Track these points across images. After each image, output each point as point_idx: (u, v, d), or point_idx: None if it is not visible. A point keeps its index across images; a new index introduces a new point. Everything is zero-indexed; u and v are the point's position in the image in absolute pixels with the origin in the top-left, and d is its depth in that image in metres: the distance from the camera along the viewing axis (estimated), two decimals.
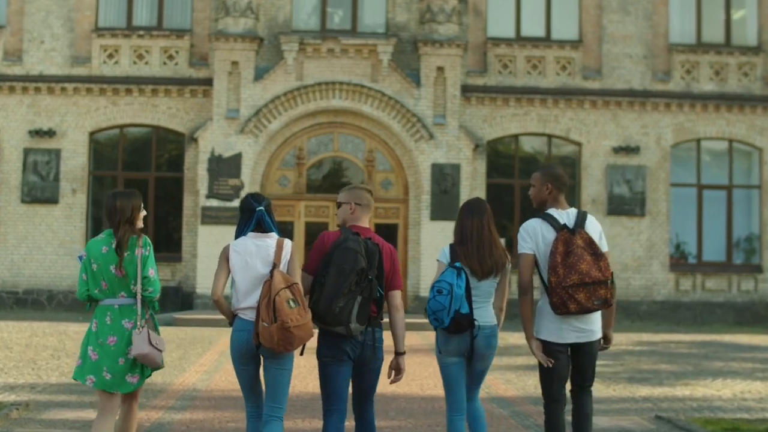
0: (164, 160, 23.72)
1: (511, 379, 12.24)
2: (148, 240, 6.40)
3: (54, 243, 22.83)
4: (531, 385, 11.47)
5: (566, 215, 6.32)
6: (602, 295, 6.07)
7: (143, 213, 6.44)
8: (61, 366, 12.46)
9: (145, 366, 6.30)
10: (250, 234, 6.23)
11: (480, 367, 6.47)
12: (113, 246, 6.23)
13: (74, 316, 20.91)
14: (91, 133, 23.22)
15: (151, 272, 6.26)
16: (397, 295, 6.32)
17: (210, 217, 22.21)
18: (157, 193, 23.24)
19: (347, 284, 5.91)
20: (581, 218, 6.30)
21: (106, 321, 6.23)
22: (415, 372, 12.50)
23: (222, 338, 16.54)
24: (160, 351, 6.24)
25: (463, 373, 6.40)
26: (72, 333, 17.00)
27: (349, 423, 6.47)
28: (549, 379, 6.28)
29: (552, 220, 6.29)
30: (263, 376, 6.20)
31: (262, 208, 6.22)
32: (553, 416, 6.29)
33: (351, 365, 6.16)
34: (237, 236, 6.31)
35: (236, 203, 21.93)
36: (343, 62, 22.62)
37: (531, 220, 6.43)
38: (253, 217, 6.22)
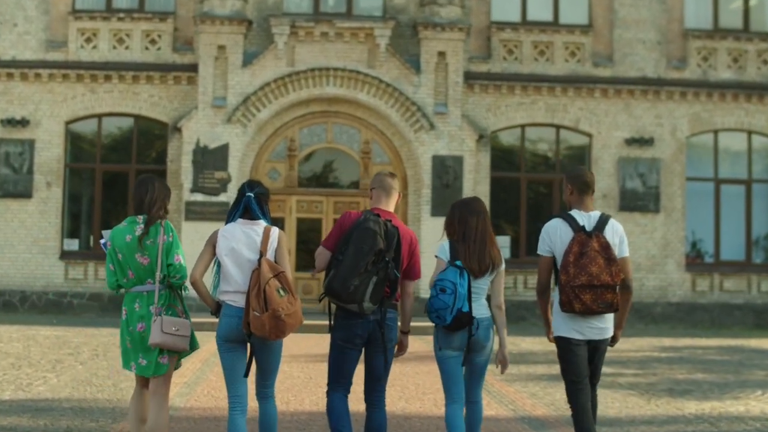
0: (146, 151, 22.14)
1: (536, 392, 10.72)
2: (171, 226, 6.44)
3: (27, 240, 21.26)
4: (561, 399, 9.89)
5: (588, 217, 6.40)
6: (608, 300, 6.18)
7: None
8: (20, 378, 10.89)
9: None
10: (239, 220, 6.25)
11: (480, 360, 6.53)
12: (136, 233, 6.28)
13: (48, 319, 19.40)
14: (68, 123, 21.64)
15: (178, 258, 6.30)
16: (411, 284, 6.55)
17: (194, 212, 20.68)
18: None
19: (364, 264, 6.00)
20: (602, 222, 6.38)
21: (134, 308, 6.30)
22: (426, 384, 10.99)
23: (207, 344, 14.97)
24: (183, 336, 6.24)
25: (461, 366, 6.49)
26: (41, 338, 15.44)
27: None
28: (572, 371, 6.43)
29: (571, 221, 6.39)
30: (252, 357, 6.18)
31: (251, 194, 6.24)
32: (574, 393, 6.44)
33: (362, 348, 6.30)
34: (227, 222, 6.34)
35: (223, 197, 20.57)
36: (337, 47, 21.12)
37: (553, 219, 6.54)
38: (241, 202, 6.26)
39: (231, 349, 6.17)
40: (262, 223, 6.25)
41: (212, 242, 6.27)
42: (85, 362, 12.51)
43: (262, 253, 6.08)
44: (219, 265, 6.28)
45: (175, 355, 6.41)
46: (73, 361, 12.56)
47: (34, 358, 12.71)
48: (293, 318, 5.93)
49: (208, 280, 6.32)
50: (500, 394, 10.49)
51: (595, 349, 6.42)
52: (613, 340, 6.55)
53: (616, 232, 6.38)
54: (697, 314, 21.79)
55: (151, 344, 6.17)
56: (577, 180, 6.50)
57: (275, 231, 6.24)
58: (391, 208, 6.55)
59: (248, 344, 6.16)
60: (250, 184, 6.35)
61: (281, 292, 5.93)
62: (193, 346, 6.51)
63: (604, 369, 12.67)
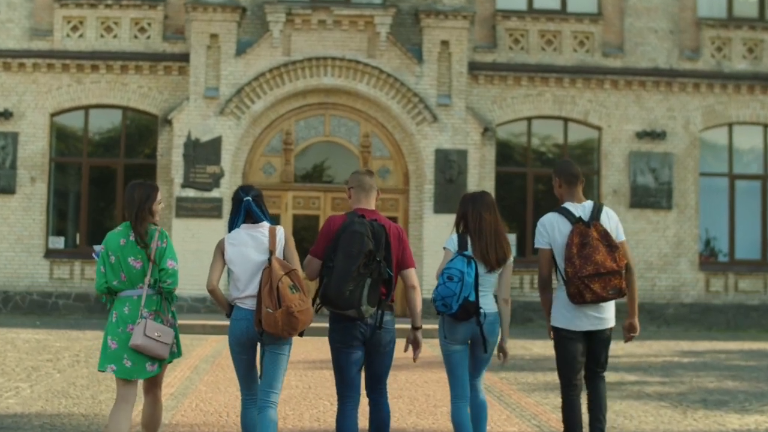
0: (135, 145, 21.13)
1: (559, 404, 9.72)
2: (166, 233, 6.50)
3: (10, 238, 20.26)
4: (585, 412, 8.94)
5: (582, 208, 6.52)
6: (616, 285, 6.26)
7: (161, 205, 6.58)
8: None
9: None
10: (243, 226, 6.31)
11: (484, 353, 6.58)
12: (131, 238, 6.33)
13: (31, 321, 18.41)
14: (53, 115, 20.65)
15: (171, 264, 6.34)
16: (411, 274, 6.42)
17: (185, 209, 19.69)
18: (127, 182, 20.39)
19: (356, 267, 5.96)
20: (597, 210, 6.49)
21: (124, 311, 6.30)
22: (437, 395, 10.01)
23: (198, 348, 14.03)
24: (164, 343, 6.22)
25: (466, 360, 6.58)
26: (21, 342, 14.45)
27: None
28: (565, 365, 6.49)
29: (567, 214, 6.48)
30: (260, 361, 6.26)
31: (249, 198, 6.30)
32: (569, 400, 6.56)
33: (362, 350, 6.23)
34: (230, 229, 6.38)
35: (215, 193, 19.63)
36: (335, 35, 20.14)
37: (548, 214, 6.61)
38: (241, 208, 6.30)
39: (243, 352, 6.27)
40: (266, 224, 6.32)
41: (220, 249, 6.34)
42: (63, 370, 11.52)
43: (271, 252, 6.16)
44: (230, 271, 6.40)
45: (164, 363, 6.43)
46: (50, 369, 11.57)
47: (9, 365, 11.71)
48: (305, 315, 5.99)
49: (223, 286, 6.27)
50: (520, 407, 9.53)
51: (595, 339, 6.46)
52: (632, 329, 6.62)
53: (611, 219, 6.52)
54: (712, 316, 20.87)
55: (131, 345, 6.17)
56: (563, 172, 6.62)
57: (280, 230, 6.33)
58: (372, 207, 6.52)
59: (258, 346, 6.27)
60: (244, 189, 6.41)
61: (293, 289, 5.99)
62: (175, 354, 6.49)
63: (628, 377, 11.74)
